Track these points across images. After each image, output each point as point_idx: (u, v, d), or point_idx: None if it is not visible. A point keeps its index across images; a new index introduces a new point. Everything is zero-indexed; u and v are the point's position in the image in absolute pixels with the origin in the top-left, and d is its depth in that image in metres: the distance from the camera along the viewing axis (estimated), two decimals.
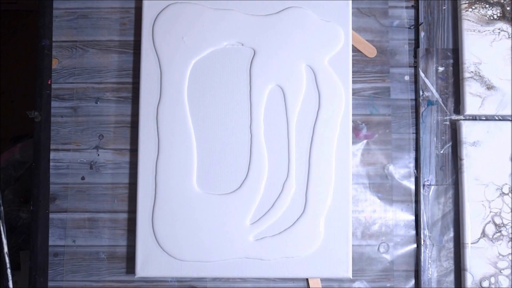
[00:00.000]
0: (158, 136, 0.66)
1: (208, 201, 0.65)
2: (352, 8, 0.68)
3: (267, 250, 0.64)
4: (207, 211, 0.65)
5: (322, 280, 0.66)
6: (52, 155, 0.70)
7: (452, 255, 0.66)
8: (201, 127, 0.66)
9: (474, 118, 0.67)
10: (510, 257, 0.64)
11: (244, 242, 0.64)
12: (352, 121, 0.68)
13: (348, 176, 0.65)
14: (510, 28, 0.67)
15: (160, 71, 0.67)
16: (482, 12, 0.67)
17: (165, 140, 0.66)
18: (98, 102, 0.70)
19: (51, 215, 0.69)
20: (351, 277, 0.64)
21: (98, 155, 0.69)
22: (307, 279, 0.66)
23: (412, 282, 0.67)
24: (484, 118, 0.67)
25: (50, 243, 0.68)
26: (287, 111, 0.66)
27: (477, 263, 0.64)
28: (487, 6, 0.67)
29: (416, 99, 0.69)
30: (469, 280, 0.63)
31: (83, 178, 0.69)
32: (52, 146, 0.70)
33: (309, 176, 0.65)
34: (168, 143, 0.66)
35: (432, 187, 0.67)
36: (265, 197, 0.65)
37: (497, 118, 0.67)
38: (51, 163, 0.69)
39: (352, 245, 0.67)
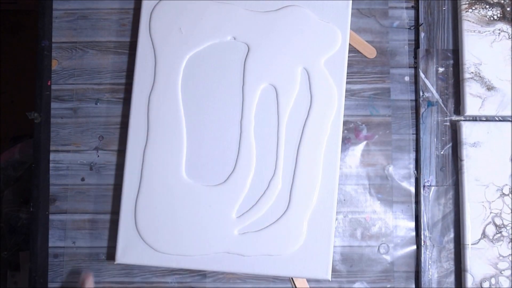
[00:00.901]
0: (148, 124, 0.66)
1: (193, 192, 0.65)
2: (352, 8, 0.68)
3: (249, 246, 0.64)
4: (191, 202, 0.65)
5: (322, 280, 0.66)
6: (52, 156, 0.69)
7: (452, 256, 0.66)
8: (192, 118, 0.66)
9: (474, 119, 0.67)
10: (510, 258, 0.64)
11: (228, 235, 0.64)
12: (352, 122, 0.68)
13: (334, 178, 0.64)
14: (510, 28, 0.67)
15: (155, 59, 0.67)
16: (482, 13, 0.67)
17: (155, 129, 0.66)
18: (98, 103, 0.70)
19: (51, 216, 0.69)
20: (330, 279, 0.63)
21: (98, 156, 0.69)
22: (291, 279, 0.66)
23: (413, 283, 0.67)
24: (484, 119, 0.67)
25: (50, 244, 0.68)
26: (279, 110, 0.66)
27: (477, 264, 0.64)
28: (487, 6, 0.67)
29: (416, 100, 0.69)
30: (469, 281, 0.63)
31: (83, 179, 0.69)
32: (52, 147, 0.70)
33: (295, 176, 0.65)
34: (158, 131, 0.66)
35: (432, 188, 0.67)
36: (251, 193, 0.65)
37: (497, 118, 0.67)
38: (51, 164, 0.69)
39: (352, 246, 0.67)
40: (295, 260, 0.64)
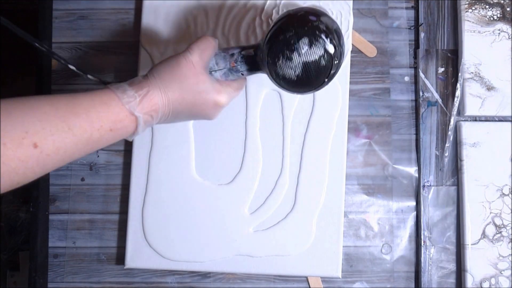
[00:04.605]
0: (153, 127, 0.66)
1: (204, 191, 0.65)
2: (352, 9, 0.68)
3: (260, 246, 0.64)
4: (203, 201, 0.65)
5: (323, 281, 0.66)
6: None
7: (452, 256, 0.66)
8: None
9: (474, 119, 0.67)
10: (510, 258, 0.64)
11: (243, 233, 0.64)
12: (353, 122, 0.68)
13: (341, 176, 0.65)
14: (510, 29, 0.67)
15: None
16: (482, 13, 0.67)
17: (161, 131, 0.66)
18: None
19: (51, 217, 0.69)
20: (341, 277, 0.64)
21: (98, 156, 0.69)
22: (307, 279, 0.66)
23: (412, 283, 0.67)
24: (484, 119, 0.67)
25: (50, 244, 0.68)
26: (283, 110, 0.66)
27: (477, 264, 0.64)
28: (487, 7, 0.67)
29: (416, 100, 0.69)
30: (469, 281, 0.63)
31: (82, 180, 0.69)
32: None
33: (302, 175, 0.65)
34: (164, 133, 0.66)
35: (432, 188, 0.67)
36: (259, 192, 0.65)
37: (497, 119, 0.67)
38: None
39: (353, 246, 0.67)
40: (305, 259, 0.64)
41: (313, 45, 0.48)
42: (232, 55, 0.53)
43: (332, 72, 0.51)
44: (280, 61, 0.49)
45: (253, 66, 0.54)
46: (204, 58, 0.51)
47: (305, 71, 0.49)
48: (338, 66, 0.51)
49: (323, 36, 0.48)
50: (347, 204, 0.67)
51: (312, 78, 0.50)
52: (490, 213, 0.64)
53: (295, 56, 0.49)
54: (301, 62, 0.49)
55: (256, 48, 0.53)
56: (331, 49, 0.49)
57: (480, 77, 0.66)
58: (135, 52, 0.70)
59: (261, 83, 0.66)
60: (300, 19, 0.50)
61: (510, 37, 0.67)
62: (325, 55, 0.49)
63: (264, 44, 0.51)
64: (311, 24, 0.49)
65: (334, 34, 0.50)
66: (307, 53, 0.49)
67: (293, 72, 0.50)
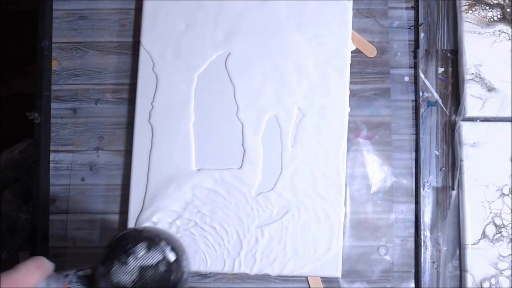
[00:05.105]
0: (152, 126, 0.66)
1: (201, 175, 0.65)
2: (352, 9, 0.68)
3: (260, 247, 0.64)
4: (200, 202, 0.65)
5: (323, 281, 0.66)
6: (52, 156, 0.69)
7: (452, 256, 0.66)
8: (197, 115, 0.67)
9: (474, 119, 0.67)
10: (510, 258, 0.64)
11: (246, 231, 0.65)
12: (353, 122, 0.68)
13: (341, 176, 0.65)
14: (511, 30, 0.67)
15: (156, 75, 0.67)
16: (482, 14, 0.67)
17: (160, 131, 0.66)
18: (98, 103, 0.70)
19: (51, 217, 0.69)
20: (340, 277, 0.64)
21: (98, 156, 0.69)
22: (307, 279, 0.66)
23: (412, 283, 0.67)
24: (484, 119, 0.67)
25: (50, 244, 0.68)
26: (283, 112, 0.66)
27: (477, 264, 0.64)
28: (487, 8, 0.67)
29: (416, 100, 0.69)
30: (469, 281, 0.63)
31: (83, 180, 0.69)
32: (52, 148, 0.70)
33: (300, 175, 0.65)
34: (163, 134, 0.66)
35: (432, 188, 0.67)
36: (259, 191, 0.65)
37: (497, 119, 0.67)
38: (51, 165, 0.69)
39: (352, 246, 0.67)
40: (305, 259, 0.64)
41: (152, 249, 0.45)
42: (67, 275, 0.48)
43: (172, 282, 0.45)
44: (115, 267, 0.45)
45: (90, 285, 0.48)
46: (31, 280, 0.45)
47: (141, 277, 0.45)
48: (179, 279, 0.46)
49: (163, 243, 0.46)
50: (347, 204, 0.67)
51: (149, 285, 0.45)
52: (490, 213, 0.64)
53: (130, 260, 0.45)
54: (137, 266, 0.45)
55: (95, 267, 0.48)
56: (171, 256, 0.46)
57: (480, 78, 0.66)
58: (135, 52, 0.70)
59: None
60: (139, 229, 0.48)
61: (511, 38, 0.67)
62: (164, 261, 0.45)
63: (102, 256, 0.47)
64: (150, 231, 0.47)
65: (176, 244, 0.47)
66: (145, 257, 0.45)
67: (128, 278, 0.45)
